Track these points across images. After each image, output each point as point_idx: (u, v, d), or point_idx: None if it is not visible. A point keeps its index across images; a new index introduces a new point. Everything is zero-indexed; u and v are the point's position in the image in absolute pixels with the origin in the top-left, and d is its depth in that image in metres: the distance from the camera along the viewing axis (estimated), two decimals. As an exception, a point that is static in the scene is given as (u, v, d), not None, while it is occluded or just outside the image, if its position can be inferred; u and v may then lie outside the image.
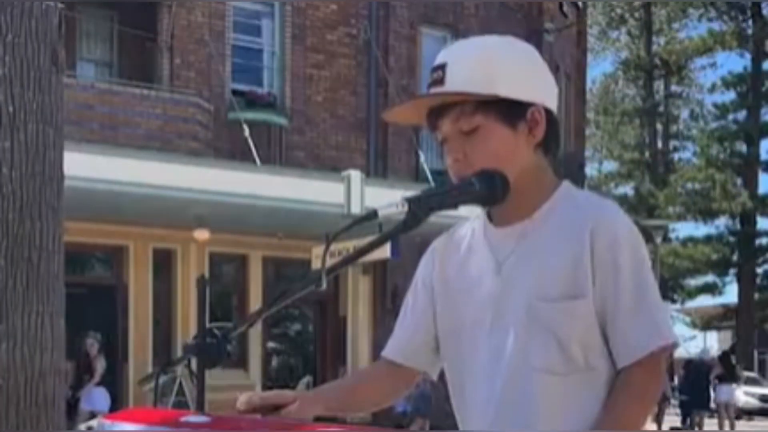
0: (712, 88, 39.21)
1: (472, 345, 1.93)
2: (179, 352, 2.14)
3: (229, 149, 15.57)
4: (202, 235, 14.83)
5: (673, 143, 41.31)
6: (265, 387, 17.11)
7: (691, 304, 39.92)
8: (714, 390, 20.63)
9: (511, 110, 1.86)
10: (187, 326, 14.95)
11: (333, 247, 1.84)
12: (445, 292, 2.00)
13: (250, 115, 15.81)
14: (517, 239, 1.90)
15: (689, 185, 36.13)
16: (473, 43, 1.95)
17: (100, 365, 13.92)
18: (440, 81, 1.87)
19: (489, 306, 1.90)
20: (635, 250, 1.84)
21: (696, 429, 20.42)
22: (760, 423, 26.79)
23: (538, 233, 1.89)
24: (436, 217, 1.79)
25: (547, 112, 1.90)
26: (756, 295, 36.15)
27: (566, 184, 1.95)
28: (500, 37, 1.96)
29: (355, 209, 14.07)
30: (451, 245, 2.05)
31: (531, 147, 1.89)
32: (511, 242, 1.90)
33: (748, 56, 36.93)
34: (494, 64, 1.86)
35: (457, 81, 1.85)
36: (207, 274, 14.61)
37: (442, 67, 1.88)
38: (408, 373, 2.08)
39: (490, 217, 1.97)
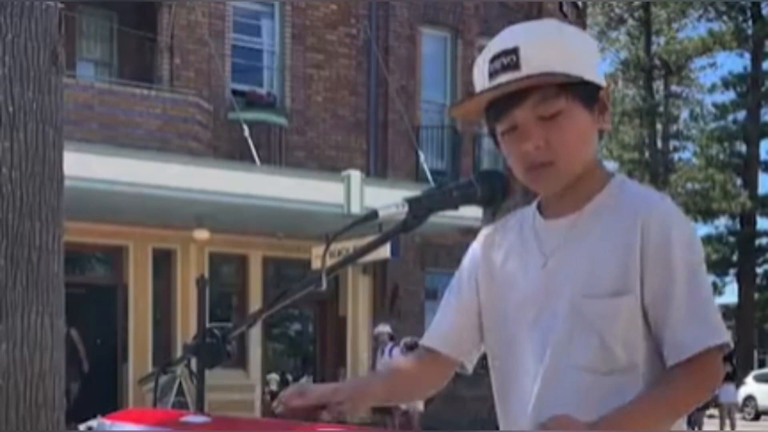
0: (712, 88, 39.27)
1: (514, 340, 1.87)
2: (179, 352, 2.14)
3: (229, 149, 15.57)
4: (201, 235, 14.83)
5: (673, 143, 41.33)
6: (266, 387, 17.11)
7: (691, 304, 39.86)
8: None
9: (589, 92, 1.79)
10: (187, 326, 14.95)
11: (333, 247, 1.84)
12: (489, 283, 1.94)
13: (250, 115, 15.81)
14: (565, 232, 1.83)
15: (689, 185, 36.17)
16: (538, 27, 1.86)
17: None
18: (514, 65, 1.76)
19: (532, 300, 1.84)
20: (689, 247, 1.76)
21: (696, 429, 20.41)
22: (764, 423, 26.78)
23: (586, 227, 1.82)
24: (436, 217, 1.78)
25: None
26: (756, 295, 36.17)
27: (620, 176, 1.88)
28: (556, 20, 1.89)
29: (355, 209, 14.08)
30: (498, 235, 1.97)
31: (597, 131, 1.84)
32: (560, 235, 1.84)
33: (747, 56, 36.96)
34: (571, 44, 1.79)
35: (536, 63, 1.75)
36: (207, 274, 14.63)
37: (514, 51, 1.76)
38: (447, 363, 2.00)
39: (540, 208, 1.91)
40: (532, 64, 1.75)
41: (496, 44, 1.80)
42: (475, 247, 2.00)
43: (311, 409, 1.79)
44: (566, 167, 1.79)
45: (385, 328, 14.29)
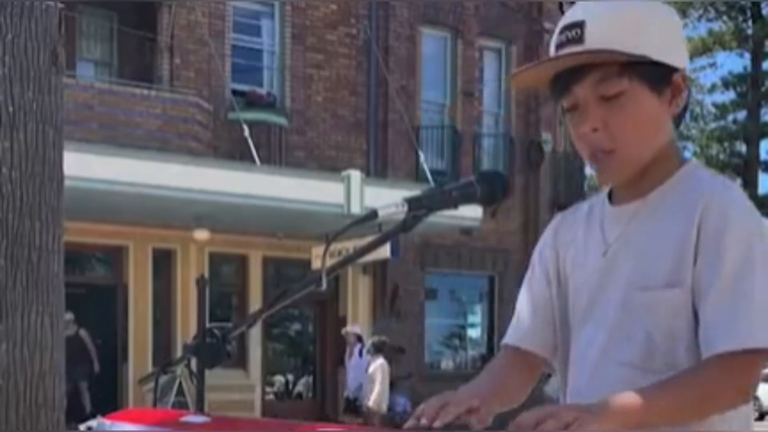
0: (712, 88, 39.22)
1: (572, 328, 1.82)
2: (179, 352, 2.14)
3: (229, 149, 15.57)
4: (201, 235, 14.83)
5: (673, 143, 41.29)
6: (266, 387, 17.11)
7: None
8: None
9: (657, 74, 1.68)
10: (187, 326, 14.95)
11: (333, 247, 1.83)
12: (557, 272, 1.89)
13: (250, 115, 15.81)
14: (628, 220, 1.75)
15: (689, 185, 36.08)
16: (611, 1, 1.75)
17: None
18: (578, 39, 1.67)
19: (589, 289, 1.78)
20: (746, 242, 1.61)
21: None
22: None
23: (649, 215, 1.73)
24: (436, 217, 1.78)
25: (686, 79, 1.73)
26: (756, 295, 36.08)
27: (694, 163, 1.78)
28: None
29: (355, 209, 14.08)
30: (567, 222, 1.91)
31: (670, 116, 1.73)
32: (623, 223, 1.76)
33: (748, 56, 36.95)
34: (641, 22, 1.68)
35: (600, 39, 1.66)
36: (207, 274, 14.62)
37: (580, 24, 1.68)
38: (533, 361, 1.91)
39: (610, 195, 1.82)
40: (595, 39, 1.66)
41: (569, 14, 1.73)
42: (545, 235, 1.94)
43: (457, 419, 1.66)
44: (627, 155, 1.70)
45: (353, 329, 13.97)
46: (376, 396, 12.52)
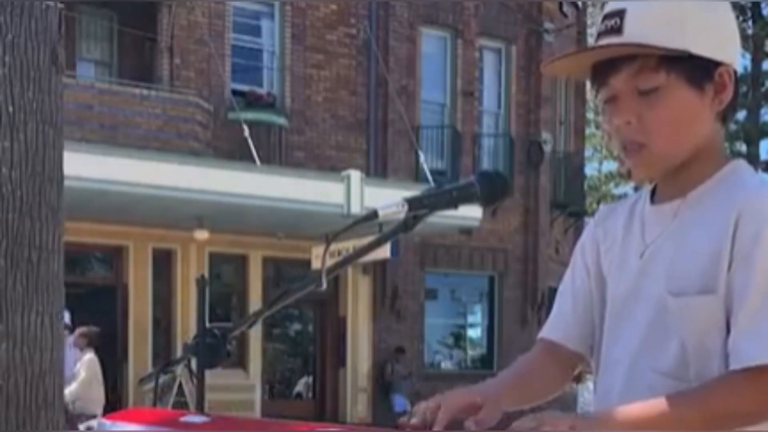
0: (712, 88, 39.21)
1: (608, 330, 1.76)
2: (179, 352, 2.14)
3: (229, 149, 15.57)
4: (201, 235, 14.83)
5: (673, 143, 41.25)
6: (266, 387, 17.11)
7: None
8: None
9: (699, 69, 1.61)
10: (187, 326, 14.95)
11: (333, 247, 1.82)
12: (597, 268, 1.83)
13: (250, 115, 15.81)
14: (667, 220, 1.68)
15: (689, 185, 36.06)
16: None
17: None
18: (616, 30, 1.62)
19: (625, 290, 1.72)
20: None
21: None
22: None
23: (687, 216, 1.66)
24: (436, 217, 1.78)
25: (734, 74, 1.66)
26: (756, 295, 36.08)
27: (739, 162, 1.72)
28: None
29: (355, 209, 14.08)
30: (610, 218, 1.84)
31: (713, 113, 1.65)
32: (662, 223, 1.69)
33: (748, 56, 36.96)
34: (684, 13, 1.61)
35: (638, 31, 1.60)
36: (207, 274, 14.59)
37: (619, 13, 1.63)
38: (570, 357, 1.85)
39: (653, 191, 1.75)
40: (633, 30, 1.61)
41: (611, 4, 1.67)
42: (588, 228, 1.89)
43: (454, 422, 1.61)
44: (659, 151, 1.64)
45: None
46: (69, 395, 10.23)
